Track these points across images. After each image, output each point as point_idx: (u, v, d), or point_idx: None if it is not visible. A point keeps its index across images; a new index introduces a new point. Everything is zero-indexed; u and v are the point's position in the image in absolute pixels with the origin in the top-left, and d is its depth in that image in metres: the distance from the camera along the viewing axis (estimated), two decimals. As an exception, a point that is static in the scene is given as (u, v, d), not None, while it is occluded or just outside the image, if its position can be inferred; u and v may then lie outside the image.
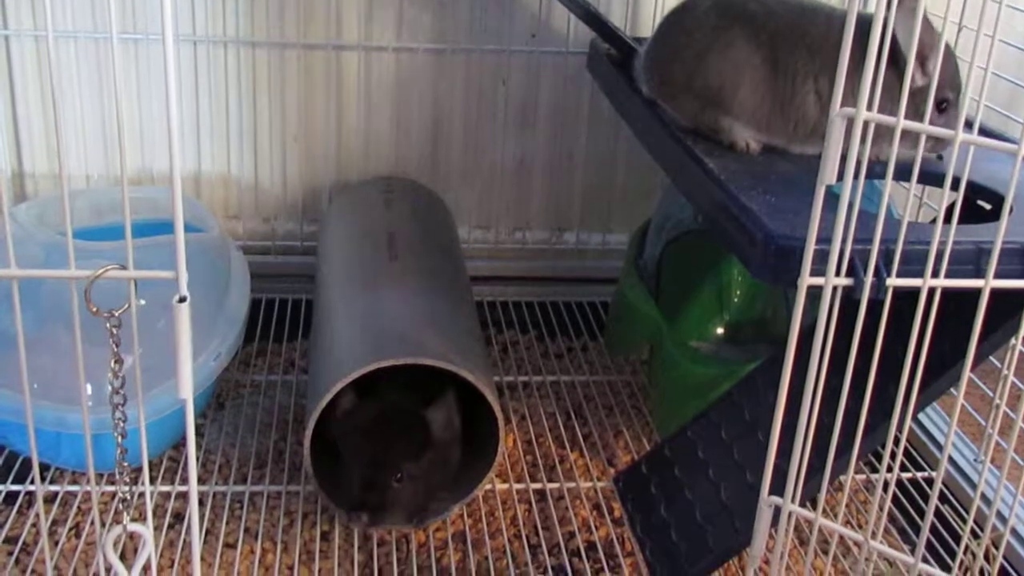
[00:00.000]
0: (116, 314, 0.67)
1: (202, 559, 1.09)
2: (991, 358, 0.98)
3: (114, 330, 0.67)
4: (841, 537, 0.85)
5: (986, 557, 0.88)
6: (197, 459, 1.23)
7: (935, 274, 0.72)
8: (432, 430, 1.07)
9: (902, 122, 0.65)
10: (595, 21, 1.32)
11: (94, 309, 0.65)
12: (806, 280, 0.71)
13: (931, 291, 0.72)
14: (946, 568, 0.84)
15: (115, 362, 0.69)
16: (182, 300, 0.63)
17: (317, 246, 1.51)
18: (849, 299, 0.74)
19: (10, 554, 1.08)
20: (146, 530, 0.71)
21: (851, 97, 0.66)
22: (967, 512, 1.08)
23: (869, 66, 0.65)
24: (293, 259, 1.62)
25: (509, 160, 1.64)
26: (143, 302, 0.83)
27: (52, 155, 1.55)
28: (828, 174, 0.66)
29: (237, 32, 1.50)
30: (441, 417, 1.08)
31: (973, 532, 0.86)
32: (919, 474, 1.26)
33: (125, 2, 1.47)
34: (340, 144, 1.59)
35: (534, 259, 1.70)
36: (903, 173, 0.75)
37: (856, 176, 0.69)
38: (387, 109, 1.58)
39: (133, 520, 0.72)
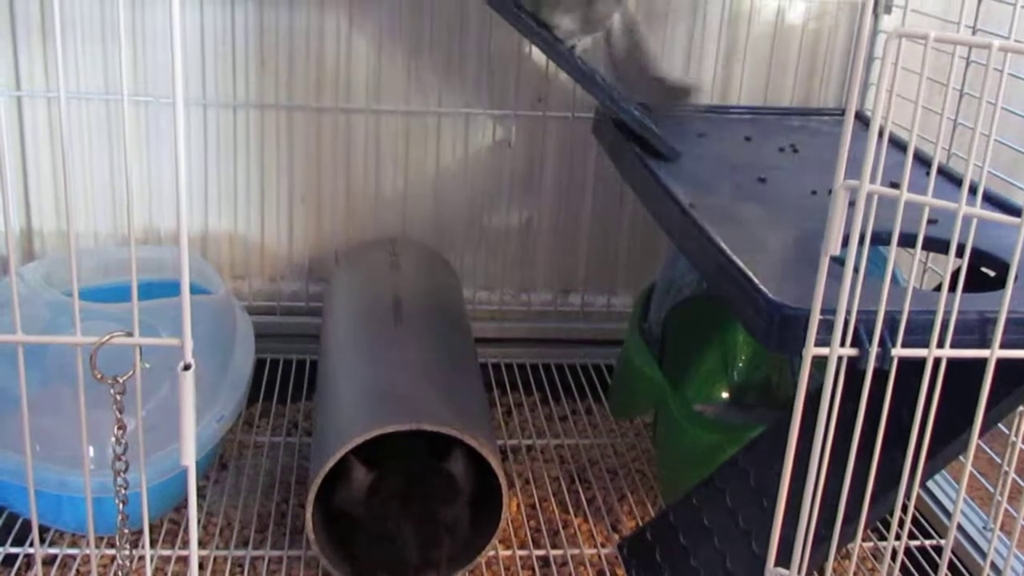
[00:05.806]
0: (121, 380, 0.67)
1: (201, 625, 1.07)
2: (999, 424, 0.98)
3: (118, 396, 0.67)
4: (849, 608, 0.84)
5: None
6: (198, 522, 1.22)
7: (940, 344, 0.72)
8: (457, 480, 1.08)
9: (905, 195, 0.66)
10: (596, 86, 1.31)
11: (99, 376, 0.65)
12: (811, 351, 0.71)
13: (936, 360, 0.72)
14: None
15: (118, 428, 0.69)
16: (187, 368, 0.63)
17: (323, 307, 1.51)
18: (855, 367, 0.74)
19: (8, 618, 1.07)
20: (145, 597, 0.71)
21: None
22: (976, 582, 1.07)
23: (872, 137, 0.65)
24: (298, 319, 1.62)
25: (514, 222, 1.65)
26: (148, 365, 0.83)
27: (61, 214, 1.56)
28: (832, 245, 0.66)
29: (247, 96, 1.52)
30: (459, 469, 1.09)
31: (983, 603, 0.84)
32: (928, 542, 1.25)
33: (137, 65, 1.49)
34: (347, 205, 1.60)
35: (539, 321, 1.70)
36: (907, 240, 0.75)
37: (860, 246, 0.69)
38: (394, 171, 1.60)
39: (133, 586, 0.72)
